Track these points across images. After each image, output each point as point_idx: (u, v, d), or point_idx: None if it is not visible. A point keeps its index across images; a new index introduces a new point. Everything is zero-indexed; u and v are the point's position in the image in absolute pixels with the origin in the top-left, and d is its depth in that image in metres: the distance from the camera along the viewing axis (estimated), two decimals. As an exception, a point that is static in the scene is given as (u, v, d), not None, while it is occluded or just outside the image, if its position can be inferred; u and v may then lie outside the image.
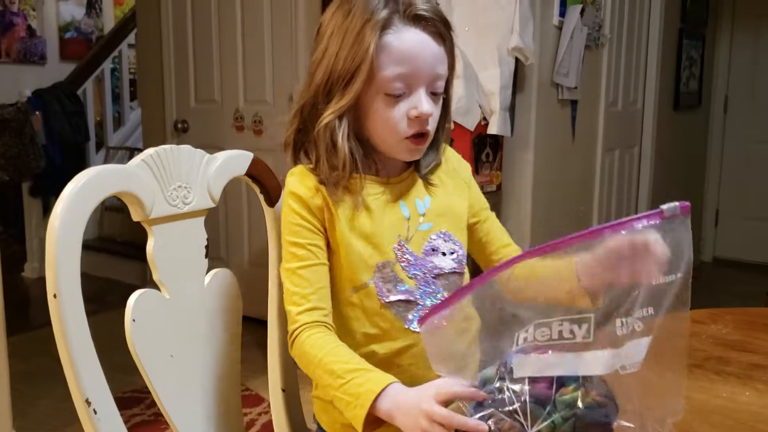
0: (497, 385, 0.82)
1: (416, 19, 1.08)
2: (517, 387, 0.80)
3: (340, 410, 1.00)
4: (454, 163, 1.26)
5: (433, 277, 1.13)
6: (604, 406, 0.79)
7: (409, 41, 1.07)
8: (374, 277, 1.10)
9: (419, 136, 1.11)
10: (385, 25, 1.07)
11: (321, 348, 1.05)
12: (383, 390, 0.95)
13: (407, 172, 1.19)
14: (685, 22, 4.54)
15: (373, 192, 1.14)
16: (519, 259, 0.81)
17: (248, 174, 1.21)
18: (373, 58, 1.06)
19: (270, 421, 2.66)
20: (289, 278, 1.11)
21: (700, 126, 5.22)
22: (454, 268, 1.16)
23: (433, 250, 1.14)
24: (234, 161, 1.19)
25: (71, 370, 0.94)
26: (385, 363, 1.09)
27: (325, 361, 1.03)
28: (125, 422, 1.03)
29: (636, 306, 0.78)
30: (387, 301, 1.10)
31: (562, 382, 0.79)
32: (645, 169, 4.29)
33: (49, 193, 4.83)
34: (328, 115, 1.10)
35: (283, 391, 1.29)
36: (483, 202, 1.27)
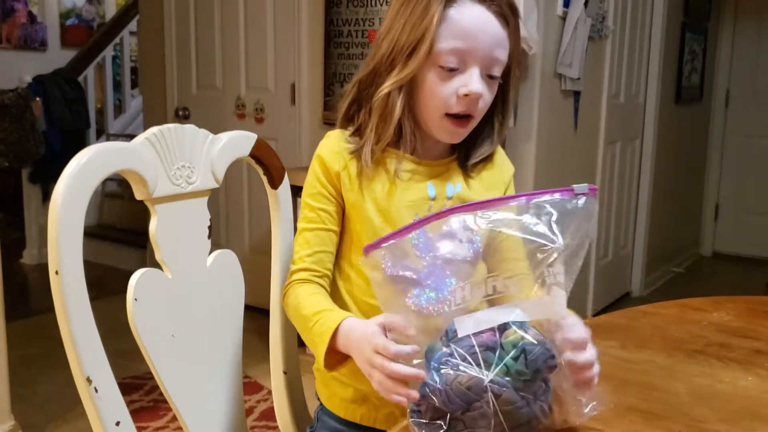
0: (444, 350, 0.86)
1: None
2: (463, 344, 0.85)
3: (314, 355, 1.06)
4: (499, 161, 1.25)
5: (443, 262, 1.12)
6: (544, 344, 0.85)
7: (471, 17, 1.07)
8: (382, 248, 1.10)
9: (463, 117, 1.10)
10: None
11: (301, 297, 1.11)
12: (338, 326, 1.01)
13: (449, 159, 1.19)
14: (688, 15, 4.54)
15: (403, 168, 1.15)
16: (450, 212, 0.93)
17: (252, 155, 1.21)
18: (435, 29, 1.06)
19: (269, 408, 2.67)
20: (296, 238, 1.18)
21: (702, 120, 5.21)
22: (467, 258, 1.15)
23: (451, 234, 1.14)
24: (238, 142, 1.19)
25: (72, 348, 0.94)
26: None
27: (301, 307, 1.10)
28: (124, 408, 1.02)
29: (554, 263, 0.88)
30: (389, 274, 1.10)
31: (503, 328, 0.86)
32: (646, 162, 4.29)
33: (48, 180, 4.82)
34: (389, 85, 1.10)
35: (285, 373, 1.29)
36: None
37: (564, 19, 3.10)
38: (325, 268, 1.16)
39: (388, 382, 0.87)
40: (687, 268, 5.08)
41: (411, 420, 0.86)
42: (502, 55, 1.10)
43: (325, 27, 3.35)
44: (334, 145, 1.16)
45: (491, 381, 0.82)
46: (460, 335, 0.85)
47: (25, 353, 3.08)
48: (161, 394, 3.07)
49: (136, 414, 2.54)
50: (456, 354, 0.84)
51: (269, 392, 2.79)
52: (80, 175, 0.94)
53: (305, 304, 1.10)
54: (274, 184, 1.26)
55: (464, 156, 1.19)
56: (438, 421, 0.84)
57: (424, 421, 0.85)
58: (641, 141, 4.28)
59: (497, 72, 1.10)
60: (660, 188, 4.45)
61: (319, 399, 1.25)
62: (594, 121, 3.65)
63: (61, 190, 0.92)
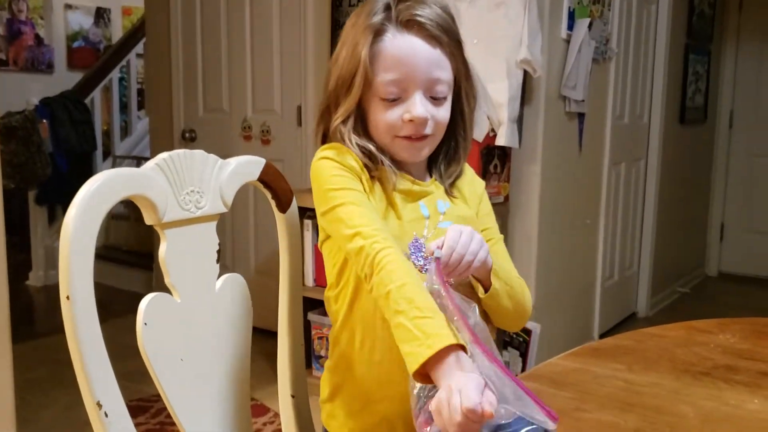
0: None
1: (409, 25, 1.10)
2: None
3: (397, 340, 0.96)
4: (470, 176, 1.28)
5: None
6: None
7: (400, 47, 1.10)
8: None
9: (416, 138, 1.13)
10: (378, 32, 1.10)
11: (407, 274, 0.99)
12: (457, 346, 0.91)
13: (431, 180, 1.21)
14: (691, 37, 4.56)
15: (401, 187, 1.16)
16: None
17: (260, 179, 1.22)
18: (367, 64, 1.09)
19: (276, 431, 2.67)
20: (341, 211, 1.08)
21: (706, 140, 5.22)
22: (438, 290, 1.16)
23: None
24: (246, 167, 1.20)
25: (83, 373, 0.94)
26: (390, 351, 1.09)
27: (408, 288, 0.97)
28: (130, 431, 1.02)
29: None
30: None
31: None
32: (651, 183, 4.30)
33: (54, 202, 4.85)
34: (336, 119, 1.14)
35: (293, 397, 1.30)
36: (493, 224, 1.27)
37: (568, 42, 3.12)
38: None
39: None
40: (693, 288, 5.07)
41: None
42: (442, 74, 1.12)
43: (331, 49, 3.38)
44: (344, 156, 1.13)
45: None
46: None
47: (29, 376, 3.08)
48: (167, 416, 3.06)
49: (142, 436, 2.54)
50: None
51: (275, 414, 2.78)
52: (92, 201, 0.95)
53: (415, 290, 0.98)
54: (283, 208, 1.27)
55: (440, 179, 1.22)
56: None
57: None
58: (646, 162, 4.29)
59: (442, 92, 1.13)
60: (665, 209, 4.45)
61: (325, 430, 1.23)
62: (599, 142, 3.67)
63: (72, 215, 0.93)
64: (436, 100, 1.12)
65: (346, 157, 1.13)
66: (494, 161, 2.87)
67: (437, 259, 0.99)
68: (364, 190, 1.12)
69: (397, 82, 1.10)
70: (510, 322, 1.18)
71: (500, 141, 2.76)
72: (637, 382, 1.16)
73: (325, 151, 1.14)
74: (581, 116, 3.37)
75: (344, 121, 1.14)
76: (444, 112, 1.14)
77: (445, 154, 1.22)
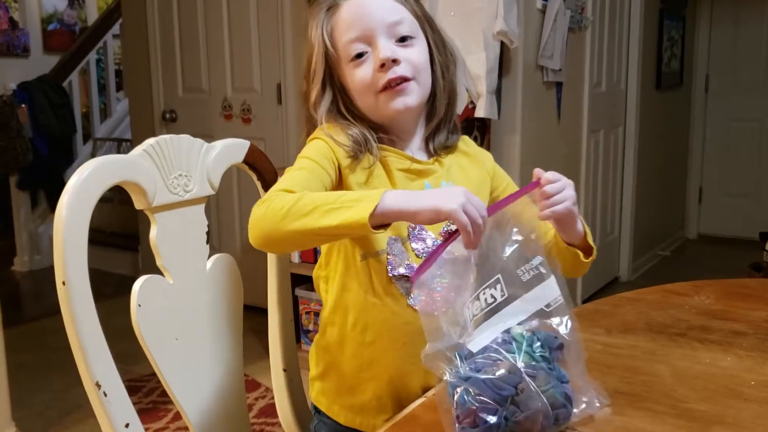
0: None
1: None
2: (480, 353, 0.89)
3: (334, 221, 0.93)
4: (476, 151, 1.28)
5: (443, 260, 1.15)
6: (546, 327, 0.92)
7: (351, 8, 1.14)
8: (386, 248, 1.12)
9: (396, 84, 1.12)
10: (330, 8, 1.15)
11: (298, 193, 0.98)
12: (384, 192, 0.93)
13: (432, 159, 1.21)
14: (666, 2, 4.59)
15: (399, 167, 1.16)
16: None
17: (245, 161, 1.25)
18: (328, 39, 1.13)
19: (267, 405, 2.71)
20: (282, 178, 1.07)
21: (683, 105, 5.28)
22: (465, 254, 1.18)
23: (450, 234, 1.17)
24: (231, 149, 1.22)
25: (81, 355, 0.97)
26: (382, 333, 1.13)
27: (309, 195, 0.97)
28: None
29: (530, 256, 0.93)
30: (393, 274, 1.12)
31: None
32: (629, 149, 4.36)
33: (37, 186, 4.83)
34: (321, 116, 1.15)
35: (285, 371, 1.33)
36: (515, 187, 1.28)
37: (544, 12, 3.14)
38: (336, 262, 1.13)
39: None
40: (673, 251, 5.15)
41: None
42: (398, 15, 1.14)
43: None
44: (335, 133, 1.14)
45: (522, 367, 0.86)
46: (475, 351, 0.89)
47: (20, 360, 3.10)
48: (160, 395, 3.09)
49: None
50: (478, 357, 0.88)
51: (267, 389, 2.83)
52: (83, 188, 0.97)
53: (315, 193, 0.98)
54: (268, 188, 1.30)
55: (442, 150, 1.21)
56: (492, 417, 0.83)
57: (479, 426, 0.84)
58: (624, 128, 4.34)
59: (406, 31, 1.14)
60: (644, 174, 4.52)
61: (316, 409, 1.24)
62: (577, 110, 3.71)
63: (65, 202, 0.95)
64: (403, 41, 1.13)
65: (338, 139, 1.12)
66: (474, 133, 2.90)
67: (538, 180, 1.04)
68: (340, 170, 1.11)
69: (358, 39, 1.12)
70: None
71: (479, 113, 2.79)
72: (615, 344, 1.21)
73: (325, 132, 1.14)
74: (559, 85, 3.40)
75: (329, 111, 1.15)
76: (417, 53, 1.14)
77: (436, 126, 1.21)
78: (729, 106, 5.31)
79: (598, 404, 0.93)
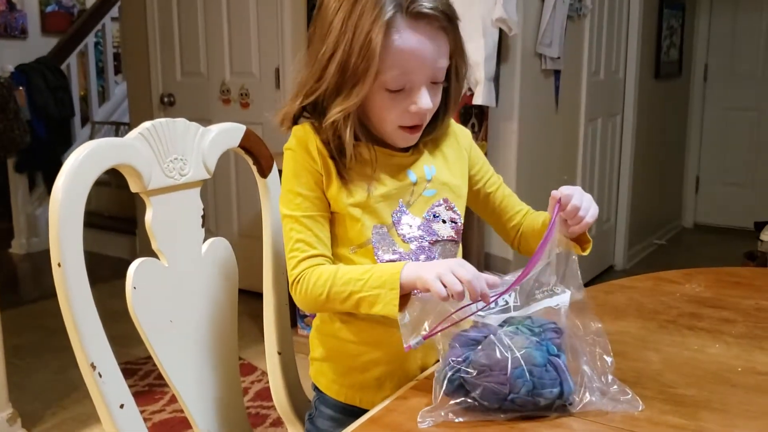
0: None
1: (418, 17, 1.07)
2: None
3: (369, 311, 1.05)
4: (456, 132, 1.28)
5: (430, 243, 1.17)
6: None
7: (410, 42, 1.07)
8: (372, 237, 1.14)
9: (415, 126, 1.14)
10: (389, 25, 1.06)
11: (331, 272, 1.09)
12: (403, 267, 1.02)
13: (410, 152, 1.20)
14: (666, -9, 4.59)
15: (381, 162, 1.16)
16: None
17: (241, 146, 1.25)
18: (379, 59, 1.06)
19: (263, 389, 2.73)
20: (292, 225, 1.13)
21: (681, 94, 5.28)
22: (452, 236, 1.20)
23: (435, 216, 1.18)
24: (227, 134, 1.23)
25: (76, 336, 0.98)
26: (374, 322, 1.14)
27: (339, 276, 1.08)
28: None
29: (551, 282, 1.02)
30: (382, 260, 1.14)
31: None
32: (627, 138, 4.36)
33: (34, 169, 4.83)
34: (335, 114, 1.09)
35: (280, 354, 1.35)
36: (489, 168, 1.30)
37: (543, -1, 3.14)
38: (330, 254, 1.15)
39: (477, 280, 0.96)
40: (669, 240, 5.17)
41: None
42: (444, 62, 1.12)
43: (308, 10, 3.37)
44: (309, 142, 1.14)
45: (504, 332, 0.94)
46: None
47: (17, 342, 3.12)
48: (155, 378, 3.11)
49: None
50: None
51: (263, 373, 2.85)
52: (79, 171, 0.98)
53: (344, 271, 1.08)
54: (263, 172, 1.31)
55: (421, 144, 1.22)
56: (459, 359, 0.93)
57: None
58: (622, 117, 4.34)
59: (441, 77, 1.13)
60: (641, 163, 4.52)
61: (316, 388, 1.26)
62: (575, 98, 3.71)
63: (61, 185, 0.96)
64: (435, 84, 1.13)
65: (310, 154, 1.13)
66: (472, 120, 2.90)
67: (558, 201, 1.06)
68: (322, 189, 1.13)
69: (404, 75, 1.08)
70: None
71: (477, 100, 2.80)
72: (606, 331, 1.21)
73: (294, 142, 1.15)
74: (557, 73, 3.40)
75: (345, 117, 1.10)
76: (439, 95, 1.15)
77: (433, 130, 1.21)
78: (727, 95, 5.31)
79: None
